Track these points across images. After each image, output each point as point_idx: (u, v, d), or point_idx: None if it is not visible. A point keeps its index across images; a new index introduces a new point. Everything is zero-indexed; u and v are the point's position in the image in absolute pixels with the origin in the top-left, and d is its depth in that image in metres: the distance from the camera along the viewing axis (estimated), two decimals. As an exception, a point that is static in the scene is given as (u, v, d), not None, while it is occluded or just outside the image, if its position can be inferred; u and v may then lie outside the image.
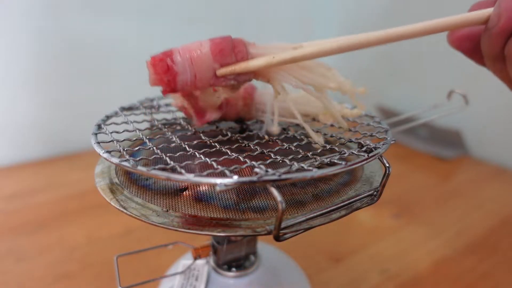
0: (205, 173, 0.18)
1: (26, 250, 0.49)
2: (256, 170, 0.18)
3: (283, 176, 0.17)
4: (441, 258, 0.49)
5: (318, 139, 0.24)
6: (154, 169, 0.18)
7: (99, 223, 0.55)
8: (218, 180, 0.17)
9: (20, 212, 0.58)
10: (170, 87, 0.22)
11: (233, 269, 0.31)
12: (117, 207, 0.21)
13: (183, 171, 0.18)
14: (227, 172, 0.18)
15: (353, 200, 0.22)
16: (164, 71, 0.22)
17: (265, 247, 0.35)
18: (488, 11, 0.20)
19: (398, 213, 0.60)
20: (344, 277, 0.46)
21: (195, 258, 0.31)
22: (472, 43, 0.23)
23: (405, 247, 0.52)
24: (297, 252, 0.39)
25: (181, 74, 0.22)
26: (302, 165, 0.19)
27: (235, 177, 0.17)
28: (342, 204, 0.22)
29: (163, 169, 0.18)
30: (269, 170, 0.18)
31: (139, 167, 0.19)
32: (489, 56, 0.22)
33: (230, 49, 0.22)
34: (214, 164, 0.20)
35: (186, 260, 0.32)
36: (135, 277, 0.44)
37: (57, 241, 0.51)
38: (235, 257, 0.30)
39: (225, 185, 0.16)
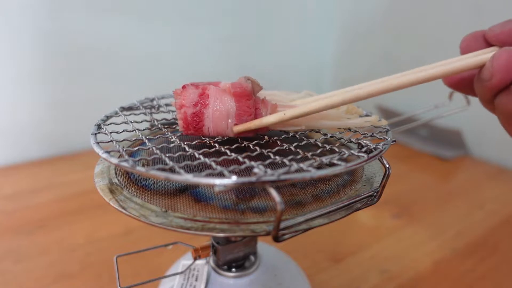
0: (203, 173, 0.18)
1: (26, 250, 0.49)
2: (255, 170, 0.18)
3: (282, 177, 0.17)
4: (441, 258, 0.49)
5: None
6: (153, 169, 0.18)
7: (99, 223, 0.55)
8: (217, 181, 0.17)
9: (20, 212, 0.58)
10: (193, 131, 0.25)
11: (233, 269, 0.30)
12: (116, 207, 0.21)
13: (182, 171, 0.18)
14: (225, 172, 0.18)
15: (353, 201, 0.22)
16: (194, 127, 0.25)
17: (265, 247, 0.35)
18: (480, 60, 0.22)
19: (398, 213, 0.60)
20: (344, 277, 0.46)
21: (195, 258, 0.31)
22: (466, 85, 0.26)
23: (405, 247, 0.52)
24: (297, 252, 0.39)
25: (205, 127, 0.25)
26: (301, 165, 0.19)
27: (234, 178, 0.17)
28: (341, 205, 0.21)
29: (162, 170, 0.18)
30: (268, 170, 0.18)
31: (138, 167, 0.19)
32: (482, 99, 0.24)
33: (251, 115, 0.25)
34: (213, 164, 0.19)
35: (186, 260, 0.32)
36: (135, 277, 0.44)
37: (57, 241, 0.51)
38: (235, 258, 0.30)
39: (224, 185, 0.16)
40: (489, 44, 0.24)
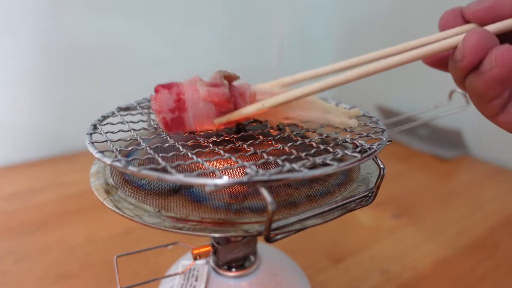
0: (195, 173, 0.18)
1: (26, 250, 0.49)
2: (247, 170, 0.18)
3: (273, 177, 0.17)
4: (441, 258, 0.49)
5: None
6: (145, 169, 0.18)
7: (99, 223, 0.56)
8: (208, 181, 0.17)
9: (20, 212, 0.58)
10: (175, 131, 0.26)
11: (233, 269, 0.30)
12: (111, 207, 0.21)
13: (173, 171, 0.18)
14: (217, 172, 0.18)
15: (347, 201, 0.22)
16: (176, 128, 0.25)
17: (265, 247, 0.35)
18: (454, 41, 0.23)
19: (398, 213, 0.60)
20: (344, 277, 0.46)
21: (195, 259, 0.31)
22: (444, 64, 0.26)
23: (405, 247, 0.51)
24: (297, 252, 0.39)
25: (188, 127, 0.25)
26: (294, 165, 0.19)
27: (225, 178, 0.17)
28: (336, 205, 0.21)
29: (154, 169, 0.18)
30: (260, 170, 0.18)
31: (130, 167, 0.19)
32: (455, 79, 0.24)
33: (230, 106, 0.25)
34: (206, 164, 0.19)
35: (185, 261, 0.32)
36: (135, 277, 0.44)
37: (57, 241, 0.51)
38: (235, 258, 0.30)
39: (215, 185, 0.16)
40: (466, 21, 0.24)
